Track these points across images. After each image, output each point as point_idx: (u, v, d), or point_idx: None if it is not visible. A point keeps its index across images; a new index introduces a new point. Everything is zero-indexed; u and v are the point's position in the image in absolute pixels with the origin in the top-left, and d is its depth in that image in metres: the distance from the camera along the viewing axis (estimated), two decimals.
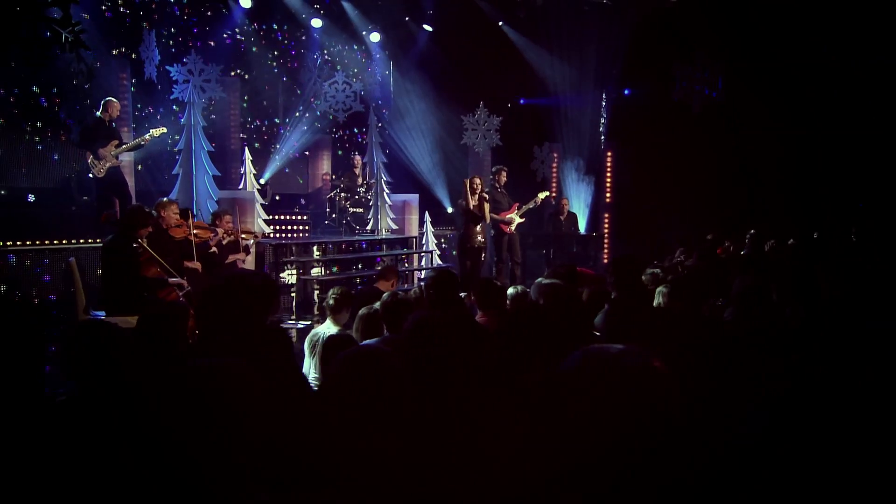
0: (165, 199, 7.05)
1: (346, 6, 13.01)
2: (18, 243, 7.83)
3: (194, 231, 6.90)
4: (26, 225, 8.55)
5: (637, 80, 14.51)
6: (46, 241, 8.04)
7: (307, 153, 14.40)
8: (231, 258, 7.77)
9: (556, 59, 14.03)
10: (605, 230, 14.87)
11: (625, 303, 4.55)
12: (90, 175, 8.72)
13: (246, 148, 10.31)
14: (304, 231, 12.44)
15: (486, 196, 9.61)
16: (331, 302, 4.71)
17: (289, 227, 12.35)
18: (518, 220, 10.50)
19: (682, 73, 12.55)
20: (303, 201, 14.46)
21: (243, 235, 8.20)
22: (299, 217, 12.77)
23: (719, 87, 12.36)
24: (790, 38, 12.07)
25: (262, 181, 13.28)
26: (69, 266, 6.07)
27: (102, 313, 5.80)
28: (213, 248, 7.41)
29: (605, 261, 14.65)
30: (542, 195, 10.79)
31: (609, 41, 13.20)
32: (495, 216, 10.14)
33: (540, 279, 5.20)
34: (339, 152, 14.90)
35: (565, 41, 13.65)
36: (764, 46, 12.23)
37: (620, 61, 13.44)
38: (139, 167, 10.81)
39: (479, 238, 9.77)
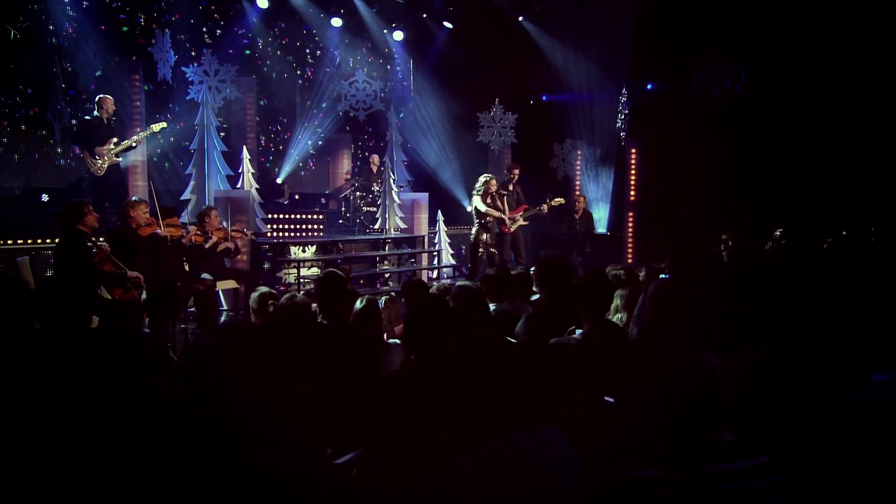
0: (135, 198, 7.07)
1: (360, 5, 12.93)
2: (39, 241, 8.01)
3: (165, 230, 6.94)
4: (39, 224, 8.78)
5: (659, 73, 13.96)
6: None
7: (327, 153, 14.44)
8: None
9: (574, 54, 13.64)
10: (630, 229, 14.39)
11: (549, 307, 4.33)
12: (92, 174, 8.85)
13: (245, 147, 10.29)
14: (317, 231, 12.40)
15: (503, 194, 10.11)
16: (252, 304, 4.57)
17: (303, 227, 12.33)
18: (521, 221, 10.30)
19: (702, 66, 11.94)
20: (323, 200, 14.49)
21: (233, 234, 8.24)
22: (313, 216, 12.74)
23: (742, 80, 11.71)
24: (818, 38, 11.45)
25: (278, 180, 13.43)
26: (18, 266, 6.14)
27: None
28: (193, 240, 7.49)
29: (629, 261, 14.18)
30: (553, 202, 10.59)
31: (623, 33, 12.74)
32: (492, 212, 10.04)
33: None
34: (351, 151, 14.89)
35: (580, 35, 13.26)
36: (787, 44, 11.59)
37: (629, 53, 12.96)
38: (152, 165, 10.99)
39: (485, 237, 9.80)
